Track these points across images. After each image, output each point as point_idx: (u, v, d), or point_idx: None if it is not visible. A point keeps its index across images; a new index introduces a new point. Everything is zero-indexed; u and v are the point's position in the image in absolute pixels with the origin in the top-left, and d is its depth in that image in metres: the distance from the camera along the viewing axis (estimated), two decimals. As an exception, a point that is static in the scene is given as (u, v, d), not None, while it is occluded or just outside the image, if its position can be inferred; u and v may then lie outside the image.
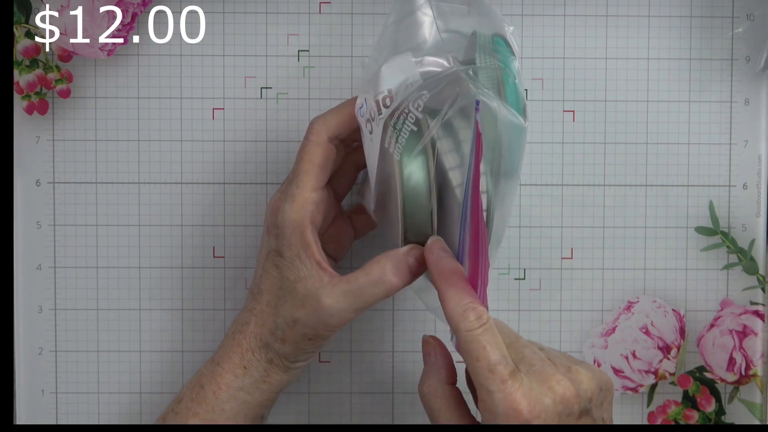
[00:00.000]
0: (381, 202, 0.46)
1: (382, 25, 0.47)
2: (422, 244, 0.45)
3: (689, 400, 0.55)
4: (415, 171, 0.44)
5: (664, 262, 0.55)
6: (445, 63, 0.45)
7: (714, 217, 0.55)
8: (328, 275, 0.45)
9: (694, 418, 0.55)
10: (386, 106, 0.44)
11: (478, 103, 0.41)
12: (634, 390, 0.56)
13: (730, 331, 0.55)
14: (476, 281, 0.43)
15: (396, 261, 0.45)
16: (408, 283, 0.45)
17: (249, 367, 0.47)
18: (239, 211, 0.55)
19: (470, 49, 0.46)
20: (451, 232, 0.45)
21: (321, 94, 0.55)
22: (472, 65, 0.44)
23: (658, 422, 0.55)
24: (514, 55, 0.46)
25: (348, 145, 0.49)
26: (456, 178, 0.44)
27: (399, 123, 0.43)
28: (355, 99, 0.47)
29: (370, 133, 0.44)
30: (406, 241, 0.45)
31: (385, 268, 0.44)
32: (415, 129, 0.43)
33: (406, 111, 0.43)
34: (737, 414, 0.55)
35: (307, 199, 0.45)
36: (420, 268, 0.45)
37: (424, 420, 0.55)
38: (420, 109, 0.43)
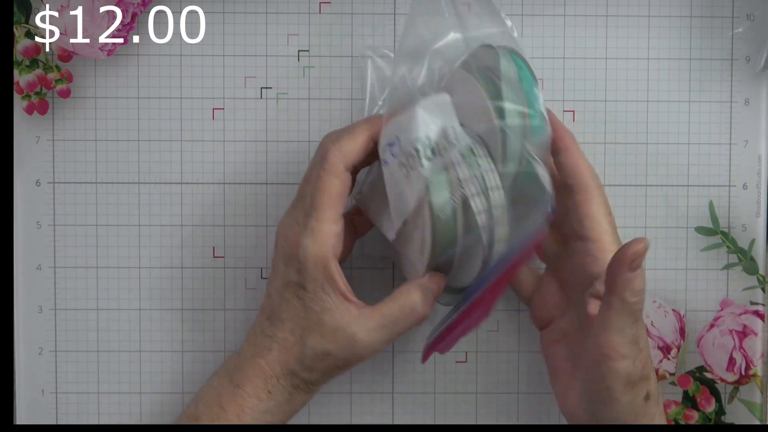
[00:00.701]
0: (405, 235, 0.46)
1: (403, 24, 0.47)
2: (441, 270, 0.46)
3: (689, 400, 0.55)
4: (445, 209, 0.44)
5: (664, 262, 0.55)
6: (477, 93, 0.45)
7: (714, 217, 0.55)
8: (355, 307, 0.45)
9: (694, 418, 0.55)
10: (428, 159, 0.43)
11: (551, 209, 0.43)
12: (634, 390, 0.56)
13: (730, 331, 0.55)
14: (459, 325, 0.45)
15: (424, 290, 0.45)
16: (432, 308, 0.46)
17: (273, 391, 0.46)
18: (239, 211, 0.55)
19: (486, 57, 0.46)
20: (468, 265, 0.45)
21: (321, 94, 0.55)
22: (503, 120, 0.44)
23: (658, 422, 0.55)
24: (534, 76, 0.46)
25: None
26: (482, 219, 0.44)
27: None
28: (370, 122, 0.46)
29: (406, 176, 0.44)
30: (427, 269, 0.45)
31: (416, 298, 0.45)
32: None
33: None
34: (737, 414, 0.55)
35: (329, 232, 0.45)
36: (439, 292, 0.46)
37: (424, 420, 0.55)
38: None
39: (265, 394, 0.46)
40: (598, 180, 0.48)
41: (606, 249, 0.46)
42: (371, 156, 0.46)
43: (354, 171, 0.46)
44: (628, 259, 0.42)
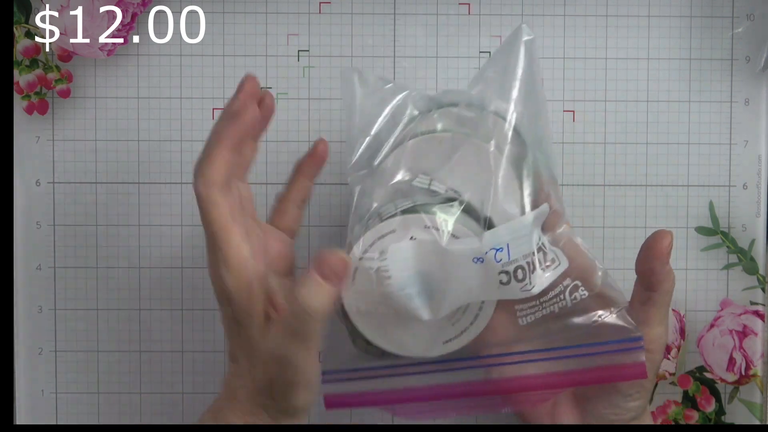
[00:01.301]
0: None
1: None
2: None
3: (689, 400, 0.55)
4: None
5: (664, 262, 0.55)
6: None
7: (714, 217, 0.55)
8: (273, 324, 0.43)
9: (694, 418, 0.55)
10: (542, 269, 0.43)
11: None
12: (634, 390, 0.56)
13: (730, 331, 0.55)
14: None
15: (308, 282, 0.41)
16: (338, 289, 0.42)
17: (256, 421, 0.44)
18: (239, 211, 0.55)
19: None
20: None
21: (321, 94, 0.55)
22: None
23: (658, 422, 0.55)
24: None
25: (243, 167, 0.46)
26: None
27: None
28: (222, 135, 0.43)
29: (502, 283, 0.42)
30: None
31: (299, 296, 0.41)
32: None
33: None
34: (737, 414, 0.55)
35: (239, 253, 0.42)
36: (345, 269, 0.42)
37: (424, 420, 0.55)
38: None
39: (251, 417, 0.44)
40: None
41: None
42: (237, 164, 0.44)
43: (228, 179, 0.43)
44: (664, 253, 0.43)
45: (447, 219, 0.42)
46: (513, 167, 0.44)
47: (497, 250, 0.42)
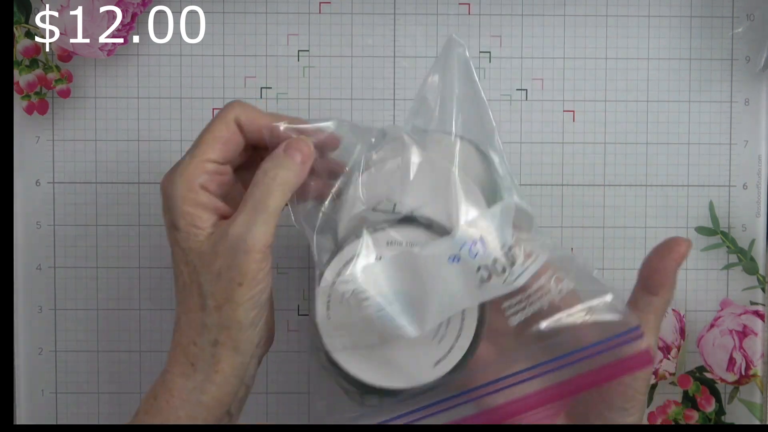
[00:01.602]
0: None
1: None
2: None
3: (689, 400, 0.55)
4: None
5: (664, 262, 0.55)
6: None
7: (714, 217, 0.55)
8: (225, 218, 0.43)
9: (694, 418, 0.55)
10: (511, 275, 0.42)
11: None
12: (634, 390, 0.56)
13: (730, 331, 0.55)
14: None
15: (274, 156, 0.42)
16: (301, 168, 0.43)
17: (196, 361, 0.42)
18: (239, 211, 0.55)
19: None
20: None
21: (321, 94, 0.54)
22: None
23: (658, 422, 0.55)
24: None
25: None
26: None
27: None
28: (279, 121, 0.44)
29: (481, 281, 0.42)
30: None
31: (264, 167, 0.42)
32: None
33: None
34: (737, 414, 0.55)
35: (199, 164, 0.43)
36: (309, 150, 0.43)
37: (424, 420, 0.55)
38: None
39: (189, 368, 0.42)
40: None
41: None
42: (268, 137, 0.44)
43: (246, 148, 0.44)
44: (681, 256, 0.43)
45: (411, 231, 0.42)
46: (472, 179, 0.44)
47: (471, 244, 0.41)
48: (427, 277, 0.41)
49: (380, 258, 0.42)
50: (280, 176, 0.42)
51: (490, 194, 0.44)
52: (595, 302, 0.42)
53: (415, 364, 0.42)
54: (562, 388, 0.42)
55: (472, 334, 0.42)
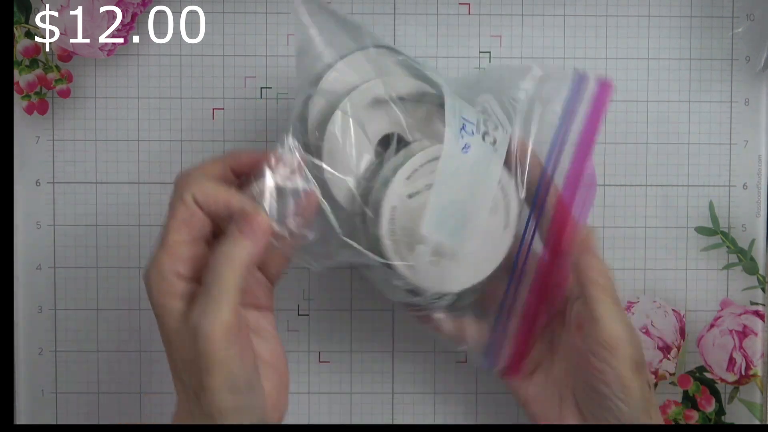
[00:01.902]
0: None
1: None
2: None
3: (689, 400, 0.55)
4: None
5: (664, 262, 0.55)
6: None
7: (714, 217, 0.55)
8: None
9: (694, 418, 0.55)
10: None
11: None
12: (634, 390, 0.56)
13: (730, 331, 0.55)
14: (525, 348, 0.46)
15: (228, 237, 0.41)
16: (256, 248, 0.42)
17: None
18: (239, 211, 0.55)
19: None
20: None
21: (321, 94, 0.54)
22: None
23: (658, 422, 0.55)
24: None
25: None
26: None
27: None
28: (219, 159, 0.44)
29: (494, 145, 0.45)
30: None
31: (217, 252, 0.41)
32: None
33: None
34: (737, 414, 0.55)
35: (169, 254, 0.42)
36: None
37: (424, 420, 0.55)
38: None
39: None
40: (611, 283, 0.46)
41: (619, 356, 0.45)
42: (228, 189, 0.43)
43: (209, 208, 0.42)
44: (580, 246, 0.45)
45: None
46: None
47: (462, 128, 0.43)
48: (472, 176, 0.44)
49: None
50: (231, 255, 0.41)
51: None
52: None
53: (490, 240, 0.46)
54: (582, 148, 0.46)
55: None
